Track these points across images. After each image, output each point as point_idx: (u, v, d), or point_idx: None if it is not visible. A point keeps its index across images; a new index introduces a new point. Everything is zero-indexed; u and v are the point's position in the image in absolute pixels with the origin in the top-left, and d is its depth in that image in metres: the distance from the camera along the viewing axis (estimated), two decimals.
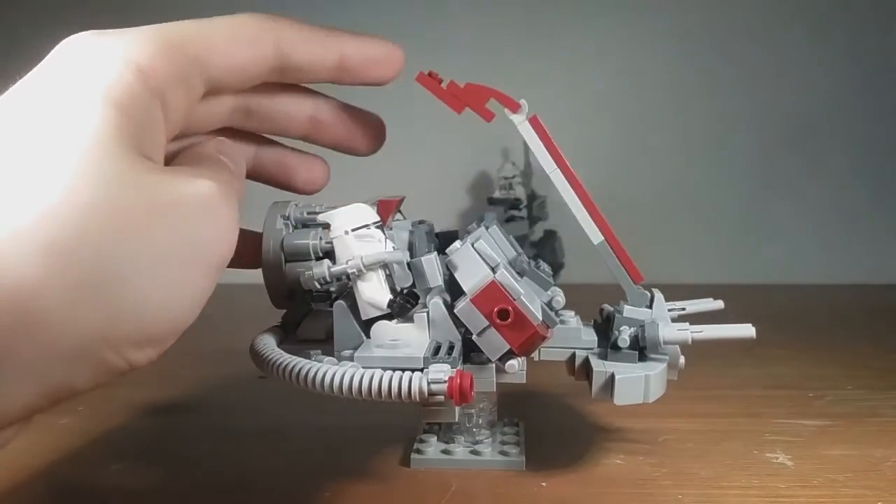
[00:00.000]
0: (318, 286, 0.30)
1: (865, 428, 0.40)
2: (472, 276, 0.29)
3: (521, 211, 0.85)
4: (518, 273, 0.31)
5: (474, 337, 0.29)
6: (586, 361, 0.32)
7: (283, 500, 0.32)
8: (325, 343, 0.32)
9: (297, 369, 0.26)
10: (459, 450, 0.35)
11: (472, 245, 0.30)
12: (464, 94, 0.31)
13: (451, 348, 0.29)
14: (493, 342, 0.29)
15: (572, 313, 0.34)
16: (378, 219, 0.30)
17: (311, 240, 0.31)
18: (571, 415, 0.42)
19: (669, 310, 0.34)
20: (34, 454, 0.36)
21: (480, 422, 0.36)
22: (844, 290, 0.88)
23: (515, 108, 0.31)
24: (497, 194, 0.86)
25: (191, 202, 0.21)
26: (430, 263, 0.30)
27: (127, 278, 0.19)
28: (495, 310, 0.28)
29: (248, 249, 0.32)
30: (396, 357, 0.28)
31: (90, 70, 0.21)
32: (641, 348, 0.32)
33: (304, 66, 0.28)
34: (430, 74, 0.32)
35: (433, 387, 0.25)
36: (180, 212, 0.21)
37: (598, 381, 0.31)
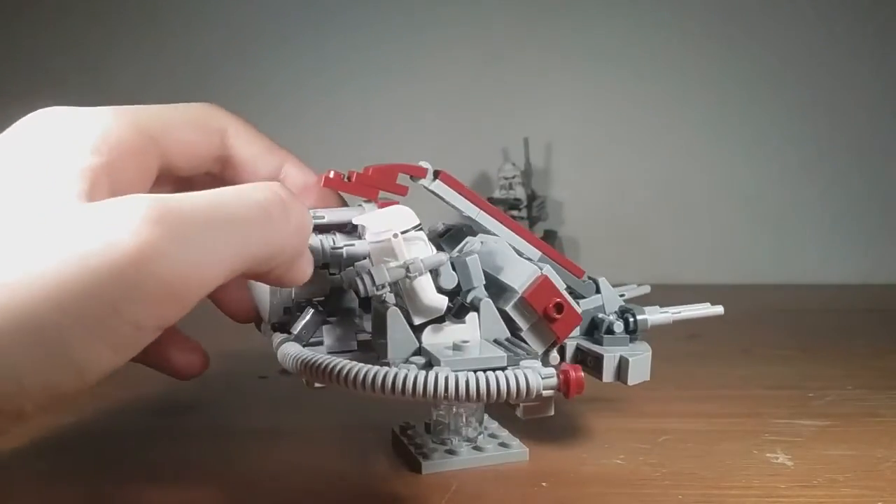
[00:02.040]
0: (376, 292, 0.28)
1: (865, 428, 0.40)
2: (519, 274, 0.30)
3: (520, 211, 0.85)
4: None
5: (523, 332, 0.30)
6: (578, 349, 0.35)
7: (283, 499, 0.32)
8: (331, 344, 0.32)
9: (398, 379, 0.25)
10: (463, 449, 0.35)
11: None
12: (373, 180, 0.32)
13: (512, 344, 0.29)
14: (542, 335, 0.30)
15: None
16: (419, 221, 0.29)
17: (319, 241, 0.31)
18: (570, 414, 0.42)
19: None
20: (36, 454, 0.36)
21: (472, 420, 0.36)
22: (844, 290, 0.88)
23: (422, 173, 0.33)
24: (497, 194, 0.86)
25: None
26: (475, 263, 0.30)
27: None
28: (551, 304, 0.30)
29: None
30: (482, 358, 0.28)
31: (57, 141, 0.22)
32: (631, 332, 0.35)
33: (247, 165, 0.30)
34: (334, 176, 0.32)
35: (547, 381, 0.26)
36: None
37: (609, 365, 0.33)
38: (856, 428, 0.40)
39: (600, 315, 0.35)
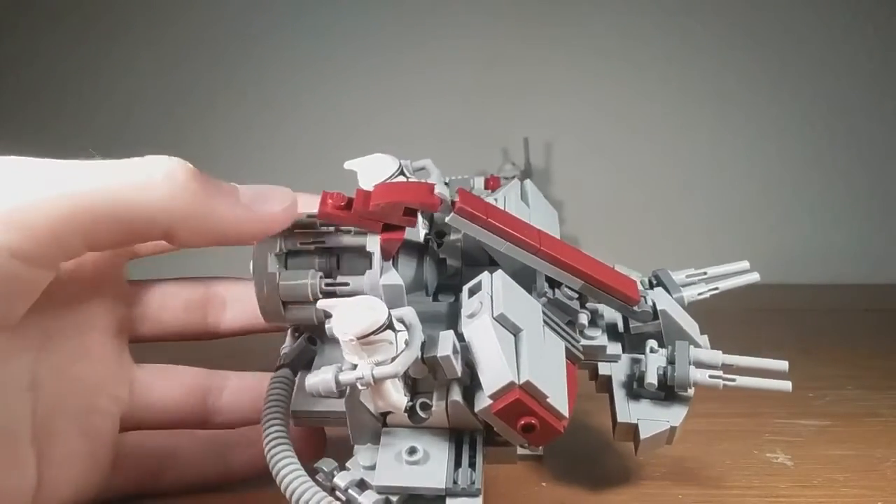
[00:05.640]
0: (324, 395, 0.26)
1: (865, 428, 0.40)
2: (492, 375, 0.25)
3: None
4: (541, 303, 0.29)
5: (496, 428, 0.26)
6: (608, 379, 0.31)
7: (283, 499, 0.32)
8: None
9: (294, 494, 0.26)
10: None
11: (493, 316, 0.26)
12: (375, 215, 0.27)
13: (472, 458, 0.26)
14: (515, 437, 0.26)
15: (599, 331, 0.32)
16: (387, 319, 0.25)
17: (309, 280, 0.28)
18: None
19: (700, 287, 0.33)
20: None
21: None
22: (844, 290, 0.88)
23: (434, 206, 0.27)
24: None
25: None
26: (448, 361, 0.25)
27: None
28: (520, 424, 0.25)
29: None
30: (417, 487, 0.25)
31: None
32: (669, 387, 0.30)
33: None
34: (331, 203, 0.27)
35: None
36: None
37: (621, 430, 0.30)
38: (856, 428, 0.40)
39: (649, 346, 0.31)
